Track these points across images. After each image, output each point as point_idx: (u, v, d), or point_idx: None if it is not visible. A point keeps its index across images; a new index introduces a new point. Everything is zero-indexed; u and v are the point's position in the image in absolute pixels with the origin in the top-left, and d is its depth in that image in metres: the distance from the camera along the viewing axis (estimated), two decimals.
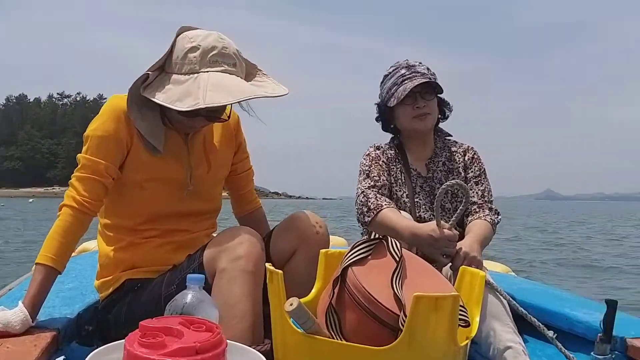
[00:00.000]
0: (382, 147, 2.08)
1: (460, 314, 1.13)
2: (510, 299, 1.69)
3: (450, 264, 1.71)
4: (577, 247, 13.48)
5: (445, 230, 1.67)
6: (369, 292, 1.14)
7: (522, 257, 10.58)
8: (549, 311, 1.84)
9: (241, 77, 1.53)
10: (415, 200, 1.98)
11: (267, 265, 1.27)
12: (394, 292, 1.14)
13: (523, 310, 1.67)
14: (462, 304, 1.17)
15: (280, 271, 1.21)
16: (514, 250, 11.44)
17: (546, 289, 2.22)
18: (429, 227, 1.70)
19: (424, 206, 1.97)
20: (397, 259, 1.22)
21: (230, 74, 1.50)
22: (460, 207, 1.73)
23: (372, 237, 1.28)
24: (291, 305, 1.10)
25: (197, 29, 1.55)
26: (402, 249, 1.27)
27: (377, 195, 1.90)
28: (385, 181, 1.97)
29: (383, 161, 2.01)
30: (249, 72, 1.61)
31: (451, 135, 2.13)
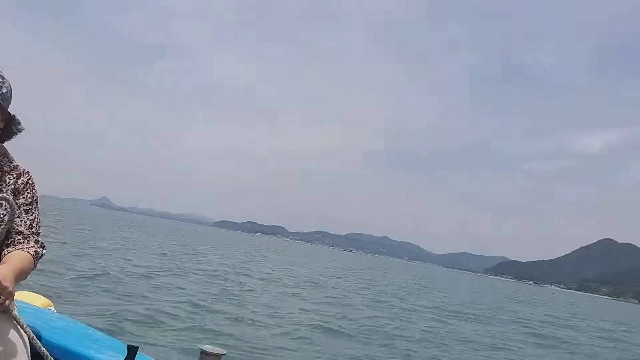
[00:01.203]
0: None
1: None
2: (34, 337, 1.63)
3: None
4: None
5: None
6: None
7: (67, 287, 9.25)
8: (73, 352, 1.85)
9: None
10: None
11: None
12: None
13: (45, 350, 1.64)
14: None
15: None
16: (57, 279, 9.72)
17: (81, 328, 2.23)
18: None
19: None
20: None
21: None
22: (2, 226, 1.62)
23: None
24: None
25: None
26: None
27: None
28: None
29: None
30: None
31: (11, 160, 1.88)
